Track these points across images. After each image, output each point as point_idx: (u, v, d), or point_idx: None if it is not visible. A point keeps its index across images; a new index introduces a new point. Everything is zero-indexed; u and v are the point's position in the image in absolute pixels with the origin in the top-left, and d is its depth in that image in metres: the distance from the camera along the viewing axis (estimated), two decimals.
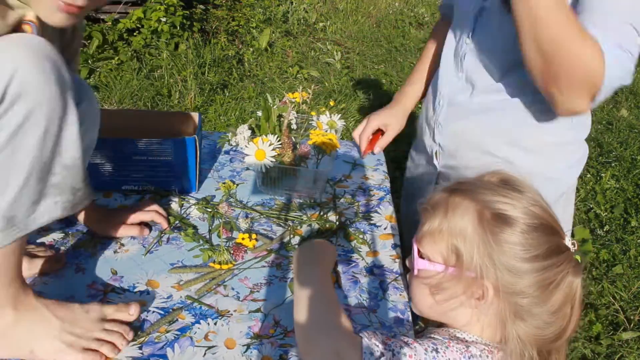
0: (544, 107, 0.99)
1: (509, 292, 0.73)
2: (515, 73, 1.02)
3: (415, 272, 0.81)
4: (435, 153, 1.22)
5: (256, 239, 1.05)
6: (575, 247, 0.76)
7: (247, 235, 1.04)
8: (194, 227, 1.10)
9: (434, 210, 0.79)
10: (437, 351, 0.73)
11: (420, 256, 0.80)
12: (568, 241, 0.76)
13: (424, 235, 0.80)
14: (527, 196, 0.76)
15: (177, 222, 1.11)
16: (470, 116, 1.12)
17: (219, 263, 0.99)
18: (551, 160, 1.09)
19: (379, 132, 1.39)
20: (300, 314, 0.82)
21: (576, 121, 1.08)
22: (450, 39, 1.17)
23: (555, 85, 0.91)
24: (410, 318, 0.92)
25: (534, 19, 0.85)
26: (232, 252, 1.02)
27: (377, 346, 0.74)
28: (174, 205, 1.17)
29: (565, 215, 1.15)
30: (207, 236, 1.08)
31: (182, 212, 1.16)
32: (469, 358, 0.73)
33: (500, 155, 1.10)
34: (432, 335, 0.78)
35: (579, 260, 0.76)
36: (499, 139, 1.09)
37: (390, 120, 1.37)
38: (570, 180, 1.14)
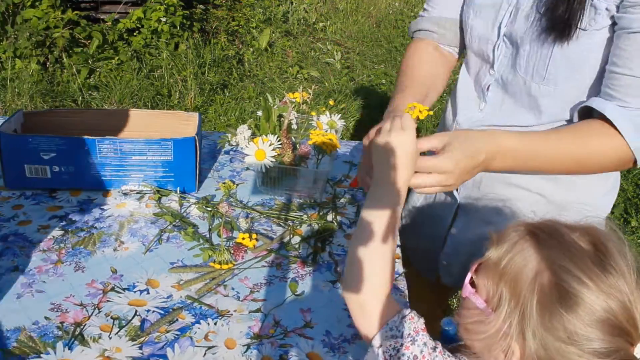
0: None
1: None
2: (546, 112, 0.97)
3: (463, 295, 0.73)
4: None
5: (256, 239, 1.05)
6: None
7: (247, 235, 1.03)
8: (194, 226, 1.10)
9: (499, 242, 0.70)
10: None
11: (472, 283, 0.72)
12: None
13: (482, 264, 0.71)
14: (610, 281, 0.61)
15: (177, 220, 1.11)
16: None
17: (219, 263, 0.99)
18: (586, 189, 1.04)
19: None
20: (359, 248, 0.76)
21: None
22: (467, 66, 1.11)
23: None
24: None
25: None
26: (232, 251, 1.02)
27: (398, 330, 0.71)
28: (174, 205, 1.17)
29: None
30: (207, 235, 1.08)
31: (182, 211, 1.16)
32: None
33: (531, 189, 1.04)
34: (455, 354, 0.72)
35: None
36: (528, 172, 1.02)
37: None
38: (606, 209, 1.08)
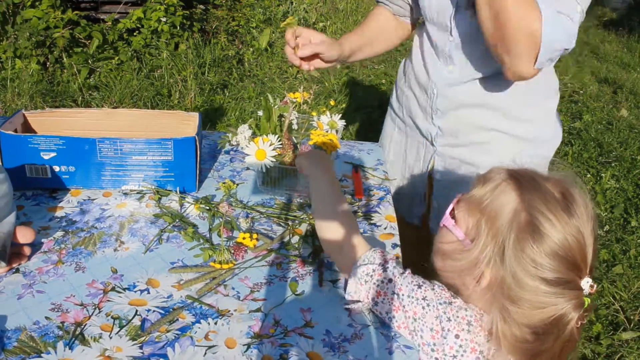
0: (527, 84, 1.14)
1: (503, 294, 0.76)
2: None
3: (441, 224, 0.84)
4: (435, 135, 1.33)
5: (257, 239, 1.05)
6: (591, 291, 0.75)
7: (247, 234, 1.04)
8: (194, 226, 1.10)
9: (484, 183, 0.80)
10: (419, 286, 0.81)
11: (452, 215, 0.82)
12: (586, 283, 0.75)
13: (465, 199, 0.82)
14: (572, 223, 0.74)
15: (176, 220, 1.11)
16: (471, 101, 1.25)
17: (220, 262, 0.99)
18: (541, 126, 1.26)
19: (358, 173, 1.37)
20: (320, 211, 0.98)
21: (551, 91, 1.29)
22: (428, 35, 1.27)
23: (503, 47, 1.03)
24: None
25: None
26: (232, 251, 1.02)
27: (375, 259, 0.87)
28: (174, 205, 1.17)
29: None
30: (207, 235, 1.08)
31: (182, 211, 1.16)
32: (448, 303, 0.79)
33: (501, 129, 1.24)
34: (431, 282, 0.84)
35: (585, 303, 0.75)
36: (498, 113, 1.24)
37: (315, 34, 1.28)
38: (557, 144, 1.31)
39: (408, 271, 0.85)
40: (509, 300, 0.75)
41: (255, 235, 1.05)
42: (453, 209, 0.83)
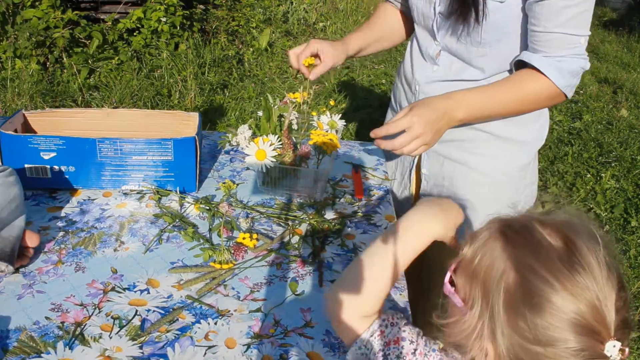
0: None
1: None
2: (488, 68, 1.20)
3: (444, 292, 0.73)
4: None
5: (257, 239, 1.05)
6: (622, 356, 0.60)
7: (247, 235, 1.04)
8: (194, 226, 1.10)
9: (472, 239, 0.70)
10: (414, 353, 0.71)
11: (451, 282, 0.71)
12: (612, 347, 0.60)
13: (459, 261, 0.71)
14: (577, 279, 0.60)
15: (176, 220, 1.11)
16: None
17: (220, 262, 0.99)
18: (526, 127, 1.26)
19: (358, 173, 1.38)
20: (363, 270, 0.75)
21: None
22: (416, 37, 1.32)
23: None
24: (410, 318, 0.92)
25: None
26: (232, 251, 1.02)
27: (367, 348, 0.72)
28: (174, 205, 1.17)
29: (533, 177, 1.32)
30: (208, 235, 1.08)
31: (182, 211, 1.16)
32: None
33: (483, 128, 1.24)
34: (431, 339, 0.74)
35: None
36: None
37: (328, 49, 1.32)
38: (539, 144, 1.31)
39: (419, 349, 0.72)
40: None
41: (255, 235, 1.05)
42: (451, 275, 0.72)
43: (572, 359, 0.60)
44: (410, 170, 1.39)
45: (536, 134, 1.30)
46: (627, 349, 0.60)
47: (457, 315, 0.69)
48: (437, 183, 1.34)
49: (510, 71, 1.19)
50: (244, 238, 1.03)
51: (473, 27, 1.12)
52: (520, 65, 1.14)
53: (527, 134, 1.27)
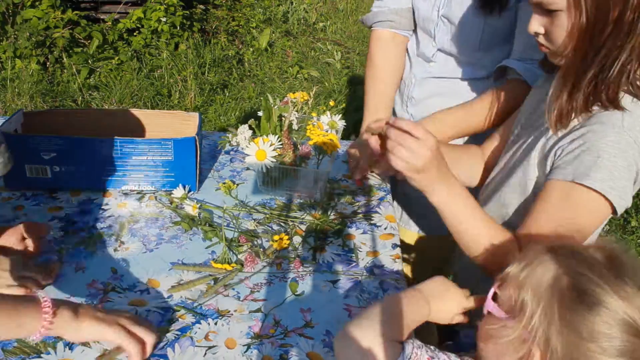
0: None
1: None
2: (482, 68, 1.26)
3: (484, 310, 0.76)
4: None
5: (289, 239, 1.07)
6: None
7: (283, 234, 1.07)
8: (211, 225, 1.10)
9: (520, 260, 0.74)
10: None
11: (494, 299, 0.75)
12: None
13: (503, 279, 0.75)
14: (627, 290, 0.65)
15: (176, 217, 1.11)
16: (441, 94, 1.34)
17: (221, 262, 0.99)
18: None
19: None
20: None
21: None
22: (416, 37, 1.36)
23: None
24: None
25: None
26: (245, 260, 1.00)
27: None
28: (188, 209, 1.17)
29: None
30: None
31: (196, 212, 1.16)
32: None
33: None
34: None
35: None
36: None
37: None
38: None
39: None
40: None
41: (286, 237, 1.07)
42: (495, 292, 0.75)
43: (621, 358, 0.63)
44: None
45: None
46: None
47: (496, 326, 0.72)
48: None
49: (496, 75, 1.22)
50: (281, 238, 1.06)
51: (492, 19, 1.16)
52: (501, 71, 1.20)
53: None
